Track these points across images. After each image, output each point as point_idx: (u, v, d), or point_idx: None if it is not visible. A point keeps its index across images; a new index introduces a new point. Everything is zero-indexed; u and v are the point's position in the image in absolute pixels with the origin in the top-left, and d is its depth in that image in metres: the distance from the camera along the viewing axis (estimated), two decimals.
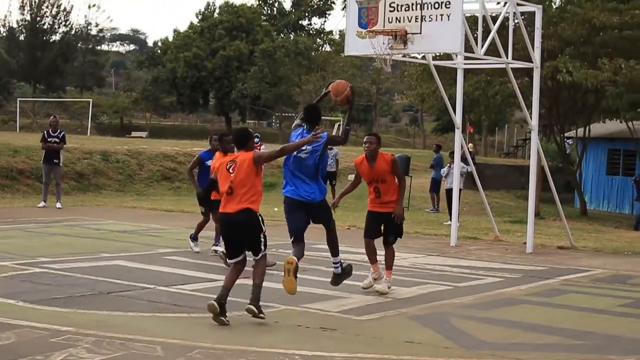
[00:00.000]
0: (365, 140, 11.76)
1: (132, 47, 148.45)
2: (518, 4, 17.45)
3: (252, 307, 9.34)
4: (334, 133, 62.27)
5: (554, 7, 29.14)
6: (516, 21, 17.39)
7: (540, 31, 17.55)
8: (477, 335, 9.04)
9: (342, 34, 78.47)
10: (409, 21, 15.10)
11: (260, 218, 9.49)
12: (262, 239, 9.52)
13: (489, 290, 12.16)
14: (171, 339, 8.23)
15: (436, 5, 14.89)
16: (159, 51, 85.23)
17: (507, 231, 20.84)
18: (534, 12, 17.80)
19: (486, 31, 16.00)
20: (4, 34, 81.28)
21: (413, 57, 19.91)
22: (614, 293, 12.45)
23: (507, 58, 16.69)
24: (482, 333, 9.19)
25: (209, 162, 14.96)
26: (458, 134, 18.47)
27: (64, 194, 23.48)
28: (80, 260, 13.20)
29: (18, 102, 66.75)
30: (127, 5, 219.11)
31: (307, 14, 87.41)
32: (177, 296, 10.58)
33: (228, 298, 9.28)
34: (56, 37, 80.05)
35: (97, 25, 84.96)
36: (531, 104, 17.84)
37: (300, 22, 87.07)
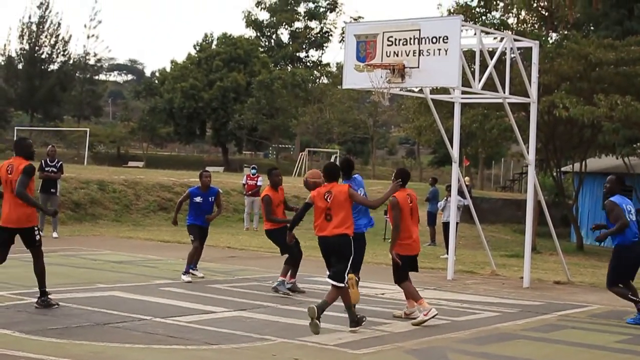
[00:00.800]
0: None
1: (129, 77, 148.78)
2: (515, 40, 17.58)
3: (354, 328, 10.86)
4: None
5: (550, 42, 29.29)
6: (513, 56, 17.51)
7: (537, 66, 17.67)
8: None
9: (339, 66, 78.84)
10: (407, 55, 15.19)
11: (352, 244, 10.91)
12: (348, 265, 10.89)
13: (486, 324, 12.14)
14: None
15: (434, 40, 14.98)
16: (156, 81, 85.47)
17: (504, 265, 20.83)
18: (531, 48, 17.92)
19: (483, 66, 16.09)
20: (3, 63, 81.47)
21: (410, 91, 20.03)
22: (611, 329, 12.43)
23: (504, 93, 16.77)
24: None
25: (197, 199, 15.13)
26: (455, 167, 18.51)
27: (60, 223, 23.44)
28: (76, 291, 13.18)
29: (15, 130, 66.81)
30: (125, 35, 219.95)
31: (304, 47, 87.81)
32: (173, 328, 10.55)
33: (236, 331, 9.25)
34: (54, 67, 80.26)
35: (95, 55, 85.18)
36: (528, 138, 17.90)
37: (297, 54, 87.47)
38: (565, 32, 31.21)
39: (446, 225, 22.27)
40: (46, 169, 22.39)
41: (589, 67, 27.03)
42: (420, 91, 19.09)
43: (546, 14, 31.67)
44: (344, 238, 10.91)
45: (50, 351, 8.79)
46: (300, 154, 66.70)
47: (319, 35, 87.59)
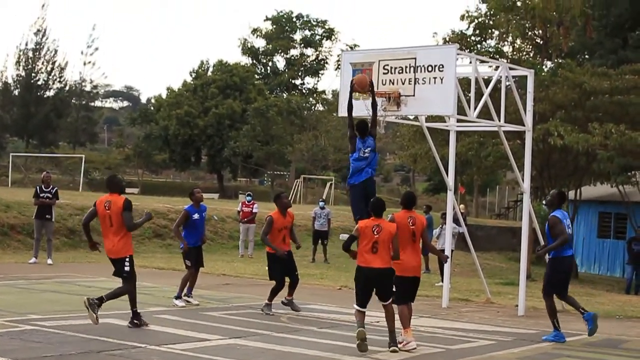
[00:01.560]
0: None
1: (125, 103, 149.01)
2: (510, 68, 17.68)
3: (396, 348, 11.57)
4: (325, 191, 61.61)
5: (545, 70, 29.44)
6: (508, 84, 17.59)
7: (532, 95, 17.74)
8: None
9: (334, 94, 79.09)
10: (403, 83, 15.25)
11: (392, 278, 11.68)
12: (391, 290, 11.70)
13: (481, 353, 12.13)
14: None
15: (429, 68, 15.05)
16: (152, 108, 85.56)
17: (499, 293, 20.81)
18: (526, 76, 18.01)
19: (478, 94, 16.16)
20: None
21: (406, 119, 20.09)
22: (606, 357, 12.43)
23: (500, 121, 16.83)
24: None
25: (195, 216, 15.21)
26: (450, 195, 18.55)
27: (55, 250, 23.41)
28: (71, 318, 13.14)
29: (10, 157, 66.78)
30: (121, 62, 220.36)
31: (300, 74, 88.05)
32: (168, 356, 10.53)
33: None
34: (50, 93, 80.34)
35: (91, 81, 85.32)
36: (523, 166, 17.95)
37: (293, 81, 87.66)
38: (560, 61, 31.37)
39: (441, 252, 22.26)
40: (41, 195, 22.39)
41: (584, 95, 27.18)
42: (416, 119, 19.16)
43: (541, 42, 31.80)
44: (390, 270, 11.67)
45: None
46: (296, 180, 66.75)
47: (314, 62, 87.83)
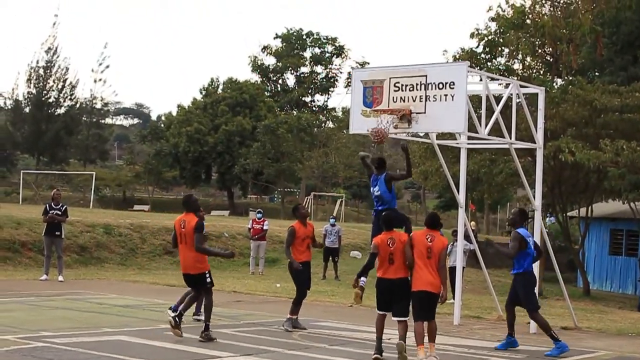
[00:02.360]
0: None
1: (135, 120, 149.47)
2: (521, 86, 17.68)
3: (402, 343, 11.97)
4: (336, 208, 61.74)
5: (556, 87, 29.43)
6: (519, 101, 17.58)
7: (542, 112, 17.73)
8: None
9: (344, 111, 79.18)
10: (414, 101, 15.24)
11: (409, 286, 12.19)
12: (409, 304, 12.23)
13: None
14: None
15: (440, 86, 15.05)
16: (162, 125, 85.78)
17: None
18: (536, 94, 18.00)
19: (489, 111, 16.16)
20: (10, 107, 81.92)
21: (416, 136, 20.10)
22: None
23: (510, 138, 16.82)
24: None
25: None
26: (461, 212, 18.53)
27: (65, 267, 23.46)
28: (82, 335, 13.15)
29: (21, 174, 67.01)
30: (132, 79, 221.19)
31: (310, 91, 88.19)
32: None
33: None
34: (61, 110, 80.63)
35: (102, 99, 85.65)
36: (534, 183, 17.93)
37: (303, 98, 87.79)
38: (570, 78, 31.37)
39: (452, 269, 22.21)
40: (50, 211, 22.46)
41: (594, 112, 27.14)
42: (427, 136, 19.15)
43: (551, 59, 31.83)
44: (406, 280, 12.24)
45: None
46: (306, 197, 66.78)
47: (324, 80, 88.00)
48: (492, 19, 31.88)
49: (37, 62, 78.51)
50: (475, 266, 24.87)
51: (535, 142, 17.56)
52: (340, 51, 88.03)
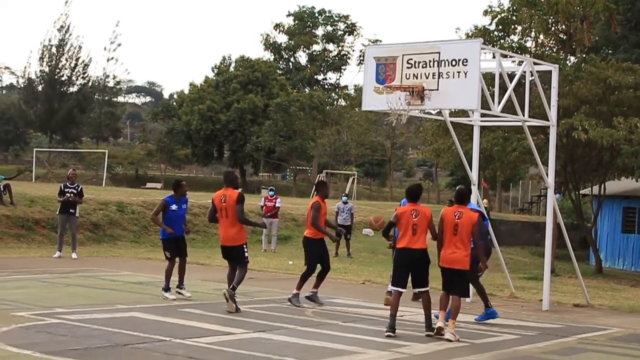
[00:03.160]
0: None
1: (148, 99, 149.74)
2: (535, 63, 17.58)
3: (429, 332, 12.43)
4: (348, 186, 61.83)
5: (569, 65, 29.28)
6: (532, 79, 17.51)
7: (556, 90, 17.65)
8: None
9: (357, 89, 79.04)
10: (426, 77, 15.21)
11: (429, 257, 12.56)
12: (427, 275, 12.58)
13: (505, 347, 12.10)
14: None
15: (453, 63, 15.00)
16: (174, 103, 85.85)
17: (522, 288, 20.75)
18: (550, 71, 17.93)
19: (502, 88, 16.10)
20: (23, 85, 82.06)
21: (429, 113, 20.05)
22: (631, 352, 12.36)
23: (524, 116, 16.76)
24: None
25: (173, 207, 15.18)
26: (474, 190, 18.49)
27: (79, 244, 23.54)
28: (96, 312, 13.21)
29: (34, 152, 67.21)
30: (144, 57, 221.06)
31: (322, 69, 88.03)
32: (193, 349, 10.56)
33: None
34: (73, 89, 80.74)
35: (114, 77, 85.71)
36: (547, 161, 17.87)
37: (315, 76, 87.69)
38: (584, 56, 31.20)
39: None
40: (65, 190, 22.53)
41: (608, 90, 27.03)
42: (439, 113, 19.11)
43: (564, 37, 31.63)
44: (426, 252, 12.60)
45: None
46: (318, 175, 66.76)
47: (336, 58, 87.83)
48: None
49: (50, 40, 78.66)
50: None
51: (548, 120, 17.49)
52: (352, 29, 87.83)
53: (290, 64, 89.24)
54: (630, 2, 38.49)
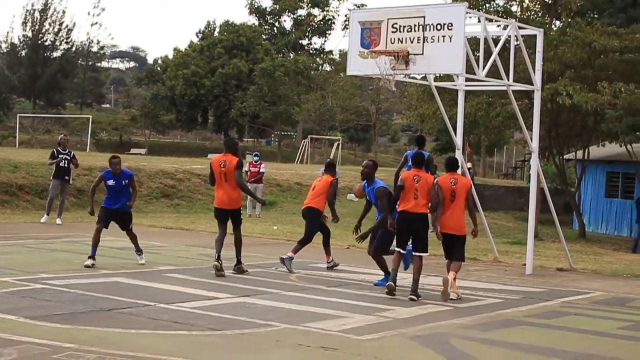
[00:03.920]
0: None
1: (132, 64, 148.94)
2: (519, 27, 17.56)
3: (413, 296, 12.66)
4: (332, 152, 61.57)
5: (554, 30, 29.22)
6: (517, 44, 17.48)
7: (541, 54, 17.64)
8: (478, 357, 9.05)
9: (342, 54, 78.79)
10: (411, 42, 15.18)
11: (428, 222, 13.14)
12: (426, 240, 13.09)
13: (489, 311, 12.18)
14: (173, 356, 8.23)
15: (438, 27, 14.97)
16: (158, 69, 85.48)
17: (506, 252, 20.85)
18: (535, 35, 17.90)
19: (487, 53, 16.08)
20: (6, 50, 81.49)
21: (414, 78, 20.03)
22: (613, 315, 12.47)
23: (508, 80, 16.75)
24: (482, 354, 9.20)
25: (110, 182, 15.07)
26: (459, 154, 18.50)
27: (64, 210, 23.47)
28: (80, 277, 13.21)
29: (18, 117, 66.84)
30: (128, 22, 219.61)
31: (307, 34, 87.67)
32: (177, 314, 10.58)
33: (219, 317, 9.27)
34: (57, 54, 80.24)
35: (98, 42, 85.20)
36: (531, 126, 17.90)
37: (300, 41, 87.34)
38: (569, 20, 31.15)
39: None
40: (58, 156, 22.41)
41: (593, 54, 27.01)
42: (424, 78, 19.10)
43: (549, 1, 31.55)
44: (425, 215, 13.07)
45: (55, 336, 8.82)
46: (303, 141, 66.72)
47: (321, 22, 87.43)
48: None
49: (33, 5, 78.13)
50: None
51: (533, 85, 17.50)
52: None
53: (275, 28, 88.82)
54: None
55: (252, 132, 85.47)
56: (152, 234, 21.25)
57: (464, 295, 13.34)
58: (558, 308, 12.87)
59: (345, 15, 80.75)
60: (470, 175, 22.52)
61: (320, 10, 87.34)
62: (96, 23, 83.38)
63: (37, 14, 77.93)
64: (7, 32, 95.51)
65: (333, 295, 12.71)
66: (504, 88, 17.63)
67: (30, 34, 78.26)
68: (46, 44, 79.32)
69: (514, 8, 30.76)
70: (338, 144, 66.16)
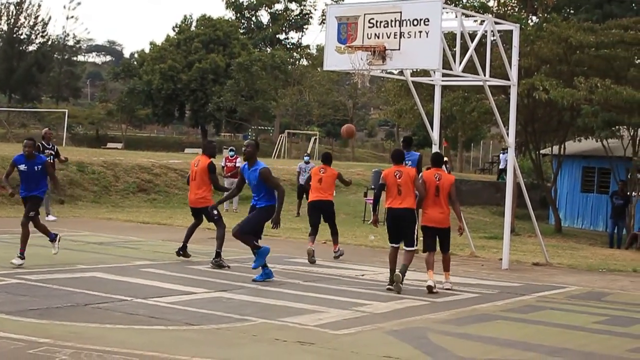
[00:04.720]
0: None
1: (108, 58, 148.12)
2: (496, 23, 17.61)
3: (399, 274, 12.99)
4: (310, 146, 61.53)
5: (531, 25, 29.33)
6: (493, 39, 17.53)
7: (517, 49, 17.70)
8: (454, 351, 9.08)
9: (319, 49, 78.75)
10: (388, 37, 15.20)
11: (416, 216, 13.44)
12: (415, 235, 13.43)
13: (465, 305, 12.22)
14: (149, 351, 8.22)
15: (415, 22, 14.98)
16: (135, 63, 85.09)
17: (483, 247, 20.93)
18: (511, 31, 17.96)
19: (464, 48, 16.12)
20: None
21: (391, 73, 20.04)
22: (589, 310, 12.54)
23: (485, 75, 16.80)
24: (459, 349, 9.23)
25: (22, 167, 14.32)
26: (435, 149, 18.55)
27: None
28: (56, 272, 13.16)
29: None
30: (104, 16, 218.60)
31: (284, 28, 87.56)
32: (154, 308, 10.56)
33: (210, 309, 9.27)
34: (32, 48, 79.77)
35: (74, 36, 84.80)
36: (508, 121, 17.96)
37: (277, 36, 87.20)
38: (546, 15, 31.26)
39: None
40: (44, 151, 22.11)
41: (569, 50, 27.15)
42: (401, 73, 19.12)
43: None
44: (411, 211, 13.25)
45: (30, 331, 8.78)
46: (280, 135, 66.62)
47: (299, 17, 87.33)
48: None
49: None
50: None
51: (509, 80, 17.56)
52: None
53: (252, 23, 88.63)
54: None
55: (229, 127, 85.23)
56: (128, 228, 21.20)
57: (440, 290, 13.38)
58: (534, 302, 12.93)
59: (322, 10, 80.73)
60: (447, 170, 22.56)
61: (298, 4, 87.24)
62: (72, 17, 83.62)
63: (12, 8, 77.48)
64: None
65: (310, 290, 12.72)
66: (481, 83, 17.68)
67: (5, 27, 77.77)
68: (22, 37, 78.85)
69: (490, 3, 30.87)
70: (315, 139, 66.13)
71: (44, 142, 22.36)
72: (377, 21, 15.33)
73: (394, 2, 15.46)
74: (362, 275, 14.97)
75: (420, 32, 14.93)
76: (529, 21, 30.53)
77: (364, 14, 15.49)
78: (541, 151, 33.45)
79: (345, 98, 75.16)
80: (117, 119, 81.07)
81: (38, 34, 79.61)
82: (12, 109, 73.69)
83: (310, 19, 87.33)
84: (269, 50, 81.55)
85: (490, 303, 12.58)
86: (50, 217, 21.97)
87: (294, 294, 12.22)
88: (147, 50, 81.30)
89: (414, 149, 17.68)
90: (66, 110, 66.92)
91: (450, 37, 19.03)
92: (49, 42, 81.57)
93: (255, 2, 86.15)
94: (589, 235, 31.36)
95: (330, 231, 17.10)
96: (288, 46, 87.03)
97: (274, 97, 70.70)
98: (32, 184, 14.38)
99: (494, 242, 22.58)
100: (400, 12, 15.10)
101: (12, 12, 77.58)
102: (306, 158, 30.17)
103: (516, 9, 32.42)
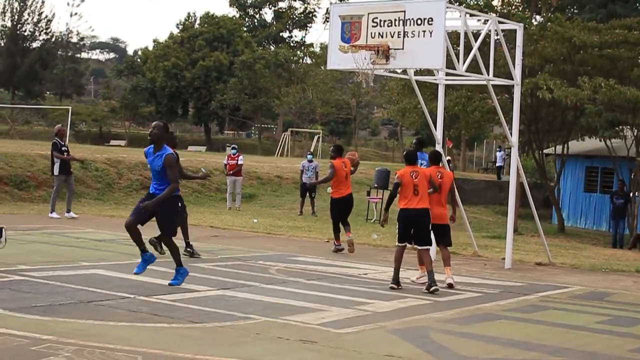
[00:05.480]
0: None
1: (112, 55, 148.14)
2: (499, 22, 17.59)
3: (431, 282, 12.99)
4: (313, 145, 61.60)
5: (534, 24, 29.33)
6: (497, 38, 17.52)
7: (521, 49, 17.69)
8: (457, 350, 9.08)
9: (322, 47, 78.76)
10: (392, 36, 15.19)
11: (430, 216, 13.37)
12: (429, 233, 13.43)
13: (468, 305, 12.21)
14: (152, 349, 8.21)
15: (419, 22, 14.98)
16: (138, 60, 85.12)
17: (486, 246, 20.92)
18: (515, 30, 17.95)
19: (467, 47, 16.10)
20: None
21: (394, 72, 20.04)
22: (591, 310, 12.53)
23: (488, 75, 16.79)
24: (461, 348, 9.23)
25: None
26: (439, 148, 18.53)
27: (42, 201, 23.36)
28: (59, 269, 13.15)
29: None
30: (108, 13, 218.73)
31: (288, 27, 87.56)
32: (157, 306, 10.56)
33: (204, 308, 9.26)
34: (36, 44, 79.81)
35: (78, 33, 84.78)
36: (511, 120, 17.96)
37: (281, 34, 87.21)
38: (550, 15, 31.26)
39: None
40: (62, 149, 22.05)
41: (573, 49, 27.14)
42: (404, 72, 19.11)
43: None
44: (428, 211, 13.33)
45: (34, 328, 8.78)
46: (283, 134, 66.65)
47: (302, 15, 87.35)
48: None
49: None
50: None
51: (513, 79, 17.55)
52: None
53: (256, 21, 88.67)
54: None
55: (232, 125, 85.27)
56: None
57: (442, 290, 13.38)
58: (537, 302, 12.92)
59: (326, 9, 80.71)
60: (450, 169, 22.58)
61: (301, 2, 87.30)
62: (76, 14, 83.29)
63: (16, 4, 77.49)
64: None
65: (312, 289, 12.72)
66: (484, 82, 17.68)
67: (9, 24, 77.85)
68: (25, 34, 78.92)
69: (494, 2, 30.87)
70: (318, 137, 66.15)
71: (57, 139, 22.15)
72: (380, 20, 15.33)
73: (398, 1, 15.45)
74: (365, 274, 14.97)
75: (424, 31, 14.93)
76: (533, 20, 30.55)
77: (368, 13, 15.48)
78: (544, 151, 33.46)
79: (348, 96, 75.19)
80: (121, 117, 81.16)
81: (42, 30, 79.69)
82: (16, 106, 73.73)
83: (314, 18, 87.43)
84: (272, 48, 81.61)
85: (493, 302, 12.57)
86: (71, 214, 21.92)
87: (296, 292, 12.21)
88: (150, 48, 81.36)
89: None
90: (69, 107, 66.91)
91: (454, 36, 19.03)
92: (53, 39, 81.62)
93: (259, 0, 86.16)
94: (592, 235, 31.36)
95: (344, 224, 17.92)
96: (292, 44, 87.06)
97: (277, 95, 70.71)
98: None
99: (496, 241, 22.58)
100: (404, 12, 15.10)
101: (16, 8, 77.67)
102: (309, 156, 30.21)
103: (520, 9, 32.44)
